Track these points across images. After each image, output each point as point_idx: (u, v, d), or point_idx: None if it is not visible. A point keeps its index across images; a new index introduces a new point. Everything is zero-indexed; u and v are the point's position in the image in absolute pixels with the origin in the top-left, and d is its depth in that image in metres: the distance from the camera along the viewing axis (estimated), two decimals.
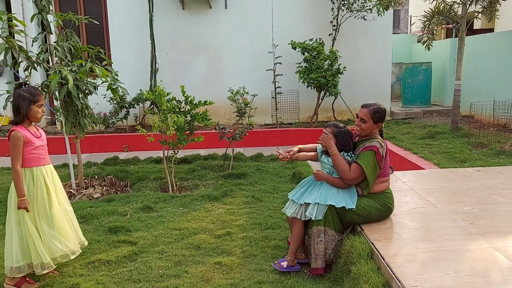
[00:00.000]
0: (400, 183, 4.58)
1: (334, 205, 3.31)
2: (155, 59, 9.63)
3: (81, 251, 3.63)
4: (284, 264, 3.44)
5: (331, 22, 9.68)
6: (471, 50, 9.69)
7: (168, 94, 5.58)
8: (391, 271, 2.75)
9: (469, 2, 7.90)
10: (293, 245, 3.48)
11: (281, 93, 9.42)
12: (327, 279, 3.32)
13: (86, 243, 3.74)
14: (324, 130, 3.51)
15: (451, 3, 8.27)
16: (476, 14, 8.31)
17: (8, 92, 5.35)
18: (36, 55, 5.26)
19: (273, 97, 9.45)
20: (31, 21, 5.34)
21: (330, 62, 8.99)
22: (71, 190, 5.52)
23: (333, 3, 9.46)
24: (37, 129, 3.52)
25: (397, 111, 10.51)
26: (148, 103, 9.48)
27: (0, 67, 9.76)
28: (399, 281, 2.63)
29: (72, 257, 3.49)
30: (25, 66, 5.09)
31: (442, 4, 8.28)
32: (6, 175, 6.85)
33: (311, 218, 3.35)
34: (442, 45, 11.32)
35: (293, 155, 3.67)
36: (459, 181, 4.62)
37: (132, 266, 3.60)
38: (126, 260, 3.74)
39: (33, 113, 3.35)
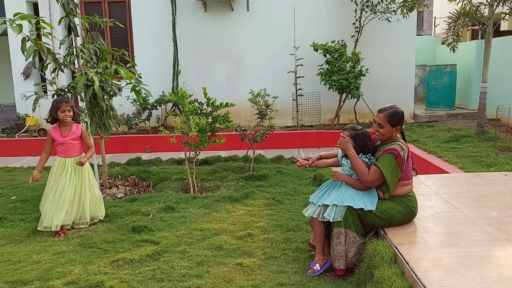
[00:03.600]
0: (424, 187, 4.51)
1: (353, 206, 3.30)
2: (178, 61, 9.74)
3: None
4: (317, 266, 3.46)
5: (354, 23, 9.62)
6: (498, 52, 9.47)
7: (190, 96, 5.63)
8: (416, 276, 2.71)
9: (496, 3, 7.73)
10: (318, 245, 3.52)
11: (302, 95, 9.39)
12: (350, 282, 3.29)
13: (101, 218, 4.67)
14: (341, 133, 3.50)
15: (478, 4, 8.11)
16: (503, 15, 8.13)
17: (36, 93, 5.49)
18: (63, 57, 5.38)
19: (294, 99, 9.43)
20: (59, 24, 5.47)
21: (352, 64, 8.93)
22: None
23: (356, 4, 9.40)
24: (73, 128, 4.54)
25: (420, 114, 10.35)
26: (170, 105, 9.58)
27: (28, 69, 10.00)
28: (424, 286, 2.58)
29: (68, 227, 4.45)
30: (52, 68, 5.21)
31: (468, 5, 8.13)
32: None
33: (329, 220, 3.35)
34: (467, 47, 11.11)
35: (311, 163, 3.70)
36: (485, 186, 4.52)
37: (155, 266, 3.65)
38: (149, 259, 3.79)
39: (59, 116, 4.42)
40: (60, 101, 4.44)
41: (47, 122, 4.53)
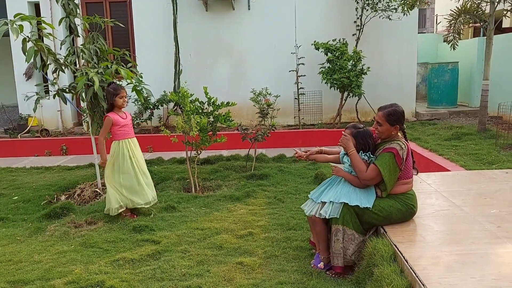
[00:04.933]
0: (425, 185, 4.51)
1: (348, 203, 3.31)
2: (179, 60, 9.75)
3: (154, 202, 4.94)
4: (321, 265, 3.49)
5: (355, 22, 9.61)
6: (500, 49, 9.44)
7: (191, 95, 5.64)
8: (415, 274, 2.71)
9: (497, 0, 7.70)
10: (322, 244, 3.52)
11: (304, 94, 9.39)
12: (349, 281, 3.30)
13: (156, 201, 4.96)
14: (343, 132, 3.51)
15: (479, 1, 8.08)
16: (505, 12, 8.09)
17: (37, 93, 5.51)
18: (63, 58, 5.39)
19: (295, 98, 9.43)
20: (59, 24, 5.49)
21: (353, 63, 8.91)
22: (97, 190, 5.63)
23: (357, 3, 9.38)
24: (125, 113, 4.85)
25: (422, 112, 10.33)
26: (171, 104, 9.60)
27: (30, 69, 10.04)
28: (423, 284, 2.58)
29: (146, 206, 4.82)
30: (53, 68, 5.23)
31: (469, 3, 8.10)
32: (35, 174, 7.05)
33: (325, 216, 3.37)
34: (469, 44, 11.08)
35: (310, 155, 3.72)
36: (486, 183, 4.52)
37: (156, 265, 3.66)
38: (150, 258, 3.80)
39: (117, 102, 4.68)
40: (118, 88, 4.70)
41: (106, 111, 4.81)
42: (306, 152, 3.78)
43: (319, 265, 3.50)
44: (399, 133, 3.48)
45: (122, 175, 4.70)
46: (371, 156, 3.43)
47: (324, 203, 3.42)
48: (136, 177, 4.74)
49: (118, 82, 5.53)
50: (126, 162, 4.70)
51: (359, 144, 3.45)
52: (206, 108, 5.78)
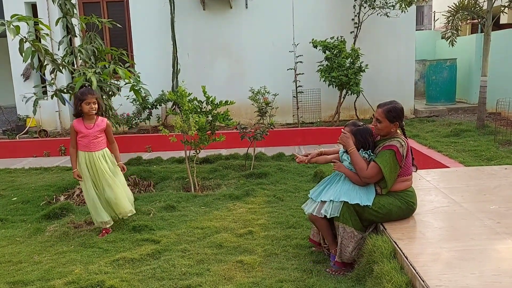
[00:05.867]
0: (424, 182, 4.51)
1: (348, 202, 3.31)
2: (177, 60, 9.73)
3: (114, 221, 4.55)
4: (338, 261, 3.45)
5: (353, 19, 9.60)
6: (498, 45, 9.44)
7: (189, 94, 5.64)
8: (415, 270, 2.71)
9: None
10: (328, 238, 3.53)
11: (302, 92, 9.38)
12: (350, 278, 3.29)
13: (126, 215, 4.54)
14: (342, 130, 3.51)
15: None
16: (503, 8, 8.09)
17: (35, 94, 5.50)
18: (61, 58, 5.38)
19: (294, 97, 9.42)
20: (56, 24, 5.48)
21: (351, 60, 8.91)
22: None
23: (355, 0, 9.37)
24: (96, 121, 4.37)
25: (421, 109, 10.33)
26: (170, 104, 9.59)
27: (28, 70, 10.02)
28: (423, 281, 2.58)
29: (101, 226, 4.39)
30: (51, 69, 5.22)
31: None
32: (34, 175, 7.05)
33: (326, 215, 3.37)
34: (467, 41, 11.07)
35: (311, 159, 3.72)
36: (485, 180, 4.51)
37: (156, 264, 3.66)
38: (150, 258, 3.80)
39: (83, 109, 4.26)
40: (85, 93, 4.26)
41: (74, 116, 4.39)
42: (307, 156, 3.78)
43: (336, 264, 3.44)
44: (398, 130, 3.48)
45: (83, 187, 4.41)
46: (371, 154, 3.43)
47: (324, 202, 3.42)
48: (93, 191, 4.35)
49: (115, 82, 5.54)
50: (83, 174, 4.33)
51: (358, 142, 3.44)
52: (204, 107, 5.78)
